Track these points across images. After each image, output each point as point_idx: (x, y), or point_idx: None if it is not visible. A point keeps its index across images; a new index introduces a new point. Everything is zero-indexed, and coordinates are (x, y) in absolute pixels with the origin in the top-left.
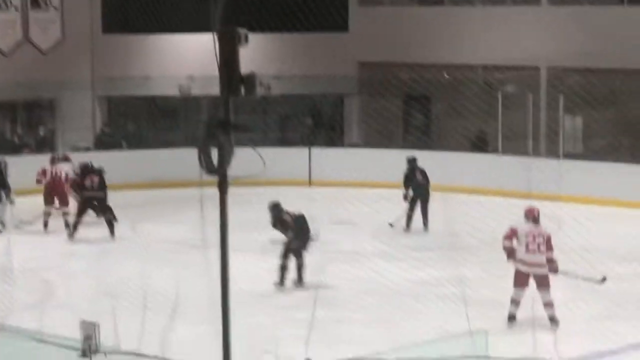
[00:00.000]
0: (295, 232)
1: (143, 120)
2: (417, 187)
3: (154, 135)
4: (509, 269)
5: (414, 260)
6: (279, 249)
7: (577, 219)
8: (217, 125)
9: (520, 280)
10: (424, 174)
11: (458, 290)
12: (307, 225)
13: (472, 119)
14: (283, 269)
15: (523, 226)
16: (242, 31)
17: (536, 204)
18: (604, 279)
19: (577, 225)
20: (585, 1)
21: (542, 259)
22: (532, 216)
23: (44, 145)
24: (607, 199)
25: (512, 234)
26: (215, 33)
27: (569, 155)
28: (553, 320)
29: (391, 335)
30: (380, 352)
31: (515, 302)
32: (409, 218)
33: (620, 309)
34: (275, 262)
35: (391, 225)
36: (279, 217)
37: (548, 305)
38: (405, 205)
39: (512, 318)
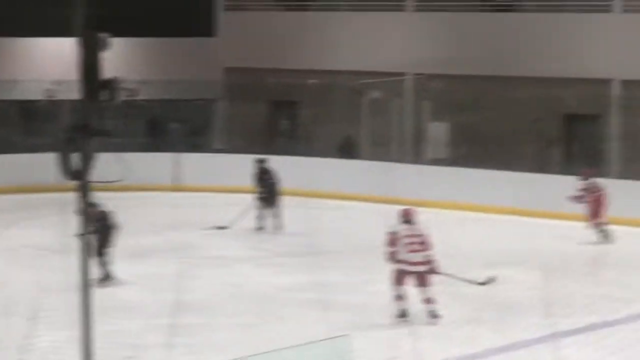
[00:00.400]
0: (98, 227)
1: (10, 125)
2: (267, 187)
3: (21, 139)
4: (372, 273)
5: (278, 266)
6: (145, 256)
7: (443, 224)
8: (77, 130)
9: (402, 279)
10: (273, 175)
11: (321, 296)
12: (109, 222)
13: (338, 124)
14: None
15: (400, 228)
16: (103, 36)
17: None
18: (485, 282)
19: (442, 230)
20: (451, 8)
21: (421, 257)
22: (408, 218)
23: None
24: (471, 205)
25: (393, 239)
26: (76, 38)
27: (433, 161)
28: (435, 315)
29: (255, 340)
30: (243, 358)
31: (400, 298)
32: (260, 218)
33: (482, 314)
34: (141, 268)
35: (222, 227)
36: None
37: (429, 301)
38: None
39: (404, 314)
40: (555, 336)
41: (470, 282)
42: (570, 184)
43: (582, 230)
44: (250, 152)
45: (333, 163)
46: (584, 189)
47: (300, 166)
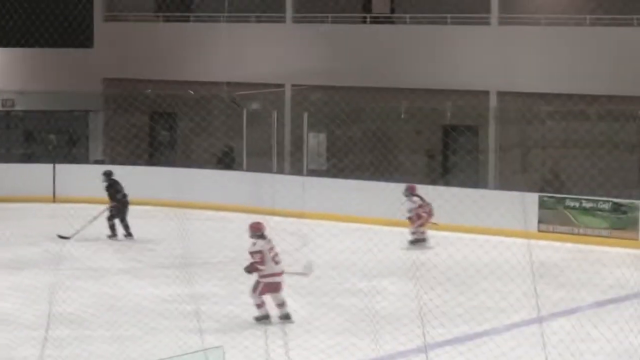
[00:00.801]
0: None
1: None
2: (118, 199)
3: None
4: (245, 284)
5: (155, 278)
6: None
7: (322, 235)
8: None
9: (269, 288)
10: (121, 186)
11: (196, 307)
12: None
13: (218, 135)
14: None
15: (260, 244)
16: None
17: (281, 220)
18: (306, 271)
19: (321, 241)
20: (329, 20)
21: (280, 267)
22: (262, 231)
23: None
24: (350, 216)
25: (261, 256)
26: None
27: (312, 172)
28: (287, 317)
29: (131, 352)
30: None
31: (262, 305)
32: (113, 228)
33: (356, 324)
34: (16, 280)
35: (63, 237)
36: None
37: (282, 305)
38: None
39: (267, 317)
40: (428, 346)
41: (298, 274)
42: (451, 194)
43: (458, 241)
44: (129, 163)
45: (212, 174)
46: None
47: (179, 177)
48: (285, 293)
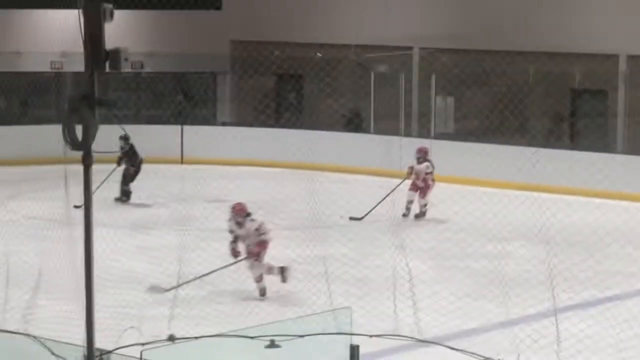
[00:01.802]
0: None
1: (14, 97)
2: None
3: (26, 111)
4: (375, 246)
5: (282, 239)
6: (150, 227)
7: (450, 198)
8: (81, 101)
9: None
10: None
11: (324, 268)
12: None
13: (344, 98)
14: None
15: (250, 225)
16: (107, 7)
17: (408, 182)
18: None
19: (447, 204)
20: None
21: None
22: (247, 212)
23: None
24: (478, 179)
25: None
26: (80, 9)
27: (440, 135)
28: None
29: (258, 312)
30: (243, 329)
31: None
32: (127, 192)
33: (485, 288)
34: (146, 239)
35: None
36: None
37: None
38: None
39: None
40: (557, 310)
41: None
42: (579, 158)
43: (586, 204)
44: (256, 125)
45: (339, 136)
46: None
47: (306, 139)
48: (414, 254)
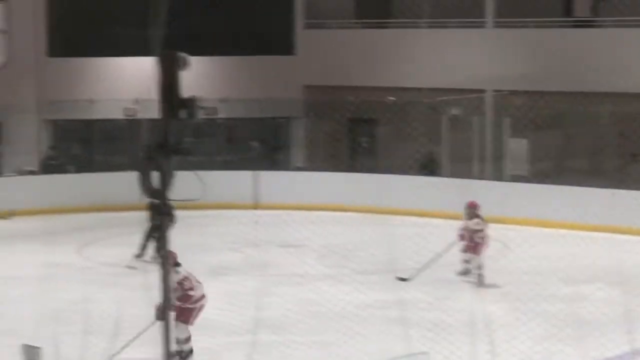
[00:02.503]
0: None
1: (88, 144)
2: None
3: (99, 158)
4: (451, 290)
5: (358, 284)
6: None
7: (527, 241)
8: (157, 149)
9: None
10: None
11: (400, 313)
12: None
13: (418, 141)
14: None
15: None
16: (182, 55)
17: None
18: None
19: (523, 247)
20: (530, 24)
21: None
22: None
23: None
24: (552, 221)
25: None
26: (155, 57)
27: (514, 178)
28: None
29: (335, 357)
30: None
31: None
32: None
33: (562, 330)
34: (220, 285)
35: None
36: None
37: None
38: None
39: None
40: (635, 353)
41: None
42: None
43: None
44: (329, 169)
45: (413, 180)
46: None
47: (380, 183)
48: (491, 298)
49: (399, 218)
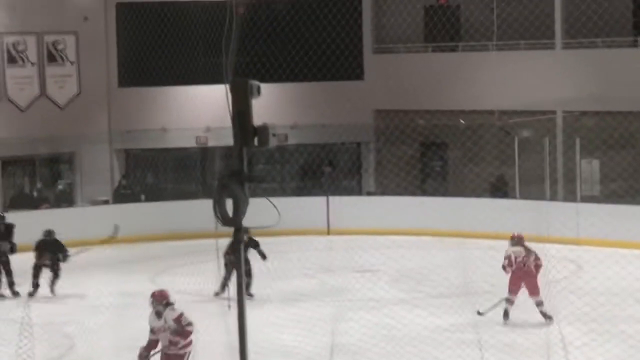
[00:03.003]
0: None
1: (161, 172)
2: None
3: (172, 187)
4: (524, 313)
5: (433, 307)
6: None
7: (601, 263)
8: (231, 176)
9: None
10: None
11: (477, 336)
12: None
13: (489, 164)
14: None
15: (170, 314)
16: (254, 83)
17: (556, 247)
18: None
19: (601, 269)
20: (599, 45)
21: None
22: (167, 299)
23: (63, 199)
24: (625, 242)
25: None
26: (227, 85)
27: (586, 199)
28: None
29: None
30: None
31: None
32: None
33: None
34: (296, 312)
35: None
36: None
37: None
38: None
39: None
40: None
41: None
42: None
43: None
44: (401, 194)
45: (485, 203)
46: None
47: (452, 206)
48: (567, 320)
49: (472, 241)
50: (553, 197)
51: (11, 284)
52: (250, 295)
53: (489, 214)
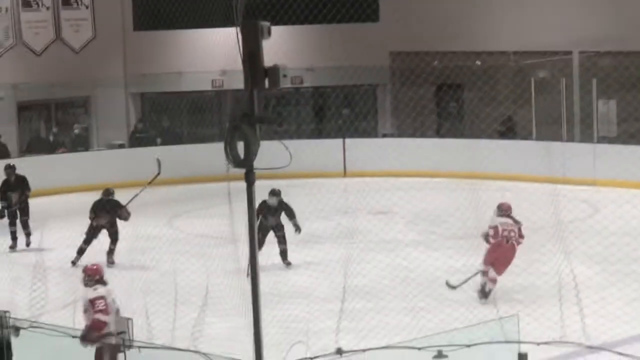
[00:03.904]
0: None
1: (176, 116)
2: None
3: (188, 130)
4: (540, 253)
5: (448, 249)
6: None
7: (614, 202)
8: (242, 119)
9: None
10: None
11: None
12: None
13: (505, 105)
14: None
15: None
16: (264, 24)
17: (572, 188)
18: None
19: (613, 208)
20: None
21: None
22: (100, 275)
23: (79, 143)
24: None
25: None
26: (237, 27)
27: (603, 139)
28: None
29: (426, 322)
30: (411, 340)
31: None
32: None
33: None
34: (311, 253)
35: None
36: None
37: None
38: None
39: None
40: None
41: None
42: None
43: None
44: (417, 135)
45: (501, 144)
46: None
47: (468, 148)
48: (579, 260)
49: (487, 182)
50: (570, 138)
51: (27, 235)
52: (289, 263)
53: (504, 155)
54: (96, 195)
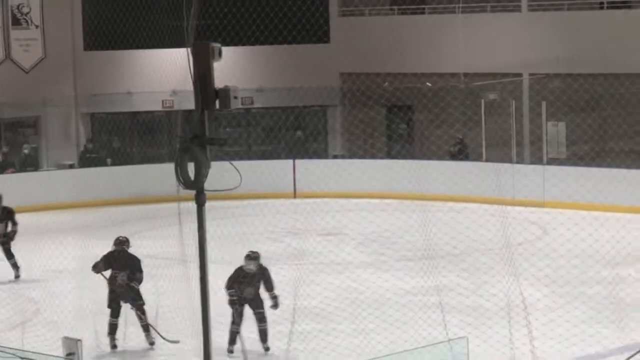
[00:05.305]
0: None
1: (127, 136)
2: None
3: (138, 150)
4: (489, 275)
5: (396, 271)
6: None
7: (563, 225)
8: (192, 140)
9: None
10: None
11: (439, 299)
12: None
13: (455, 127)
14: None
15: None
16: (215, 46)
17: (521, 209)
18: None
19: (562, 231)
20: (565, 7)
21: None
22: None
23: (29, 163)
24: (591, 204)
25: None
26: (188, 48)
27: (552, 161)
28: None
29: (375, 344)
30: None
31: None
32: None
33: (601, 314)
34: None
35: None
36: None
37: None
38: None
39: None
40: None
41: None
42: None
43: None
44: (368, 156)
45: (450, 165)
46: None
47: (418, 169)
48: (528, 282)
49: (436, 204)
50: (519, 160)
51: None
52: (267, 348)
53: (453, 176)
54: (44, 216)
